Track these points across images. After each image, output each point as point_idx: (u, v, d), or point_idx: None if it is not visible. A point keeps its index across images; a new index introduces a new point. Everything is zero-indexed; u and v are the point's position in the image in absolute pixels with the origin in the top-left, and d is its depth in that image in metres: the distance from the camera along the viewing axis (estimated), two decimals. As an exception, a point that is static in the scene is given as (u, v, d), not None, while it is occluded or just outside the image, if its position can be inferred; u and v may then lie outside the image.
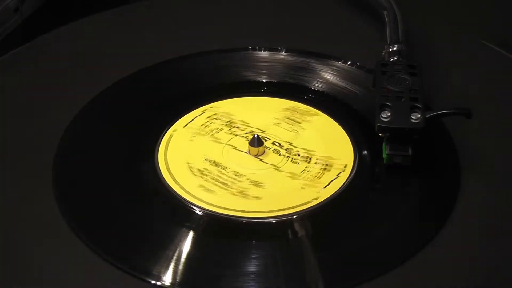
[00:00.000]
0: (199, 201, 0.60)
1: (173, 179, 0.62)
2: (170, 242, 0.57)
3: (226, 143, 0.65)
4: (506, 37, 0.77)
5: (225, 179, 0.62)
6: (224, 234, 0.59)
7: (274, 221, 0.59)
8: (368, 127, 0.64)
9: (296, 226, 0.59)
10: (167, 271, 0.56)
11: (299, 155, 0.64)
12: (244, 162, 0.64)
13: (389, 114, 0.62)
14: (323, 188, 0.62)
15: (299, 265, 0.57)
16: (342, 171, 0.63)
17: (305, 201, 0.61)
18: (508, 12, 0.83)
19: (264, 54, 0.73)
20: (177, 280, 0.56)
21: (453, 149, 0.64)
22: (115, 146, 0.65)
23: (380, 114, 0.62)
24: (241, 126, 0.67)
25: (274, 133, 0.66)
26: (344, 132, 0.66)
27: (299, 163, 0.64)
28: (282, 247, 0.58)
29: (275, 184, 0.62)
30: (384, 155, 0.62)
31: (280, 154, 0.64)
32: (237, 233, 0.59)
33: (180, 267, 0.56)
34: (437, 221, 0.59)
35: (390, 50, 0.68)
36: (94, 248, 0.57)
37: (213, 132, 0.66)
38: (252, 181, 0.62)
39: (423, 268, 0.56)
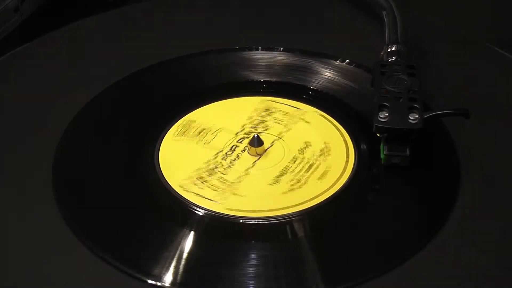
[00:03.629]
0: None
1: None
2: (170, 243, 0.58)
3: (248, 167, 0.63)
4: (506, 37, 0.77)
5: (303, 170, 0.63)
6: (224, 234, 0.59)
7: (273, 222, 0.59)
8: (367, 126, 0.64)
9: (296, 226, 0.59)
10: (167, 271, 0.56)
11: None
12: (275, 160, 0.64)
13: (387, 114, 0.61)
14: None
15: (299, 265, 0.57)
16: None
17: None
18: (508, 12, 0.83)
19: (261, 54, 0.73)
20: (177, 281, 0.56)
21: (453, 149, 0.64)
22: (116, 146, 0.65)
23: (378, 114, 0.61)
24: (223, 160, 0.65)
25: (223, 140, 0.66)
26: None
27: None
28: (282, 247, 0.58)
29: (328, 154, 0.64)
30: (382, 156, 0.62)
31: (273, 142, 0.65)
32: (236, 234, 0.59)
33: (180, 267, 0.56)
34: (437, 221, 0.59)
35: (389, 50, 0.68)
36: (93, 248, 0.57)
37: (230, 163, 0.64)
38: (316, 160, 0.63)
39: (423, 268, 0.56)
